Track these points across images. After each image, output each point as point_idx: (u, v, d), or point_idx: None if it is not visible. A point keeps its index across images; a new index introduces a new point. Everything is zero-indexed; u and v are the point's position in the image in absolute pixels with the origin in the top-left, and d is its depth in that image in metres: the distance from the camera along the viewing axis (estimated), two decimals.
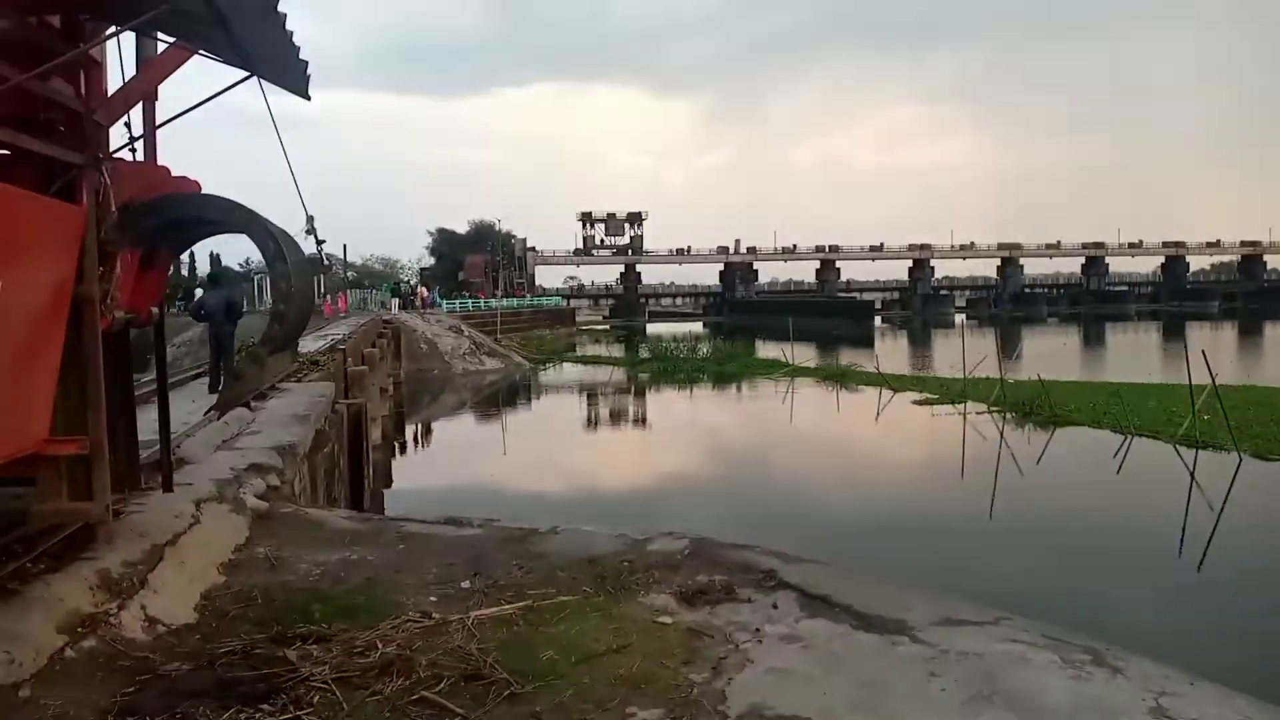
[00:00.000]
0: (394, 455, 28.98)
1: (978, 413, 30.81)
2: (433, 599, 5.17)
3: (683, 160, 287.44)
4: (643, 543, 6.01)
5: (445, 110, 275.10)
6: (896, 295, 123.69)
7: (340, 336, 25.41)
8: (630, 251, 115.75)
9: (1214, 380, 24.58)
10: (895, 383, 38.37)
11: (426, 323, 51.39)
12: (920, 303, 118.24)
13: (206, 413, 10.14)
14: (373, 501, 18.52)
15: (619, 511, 19.83)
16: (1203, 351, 25.87)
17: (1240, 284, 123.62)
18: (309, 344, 21.90)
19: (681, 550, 5.70)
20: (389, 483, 24.61)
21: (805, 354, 49.90)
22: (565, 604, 4.89)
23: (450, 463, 28.15)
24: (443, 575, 5.59)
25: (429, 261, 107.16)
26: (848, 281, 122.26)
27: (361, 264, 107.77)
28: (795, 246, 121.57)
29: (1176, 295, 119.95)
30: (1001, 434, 27.42)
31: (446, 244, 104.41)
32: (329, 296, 54.60)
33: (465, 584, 5.39)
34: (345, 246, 68.35)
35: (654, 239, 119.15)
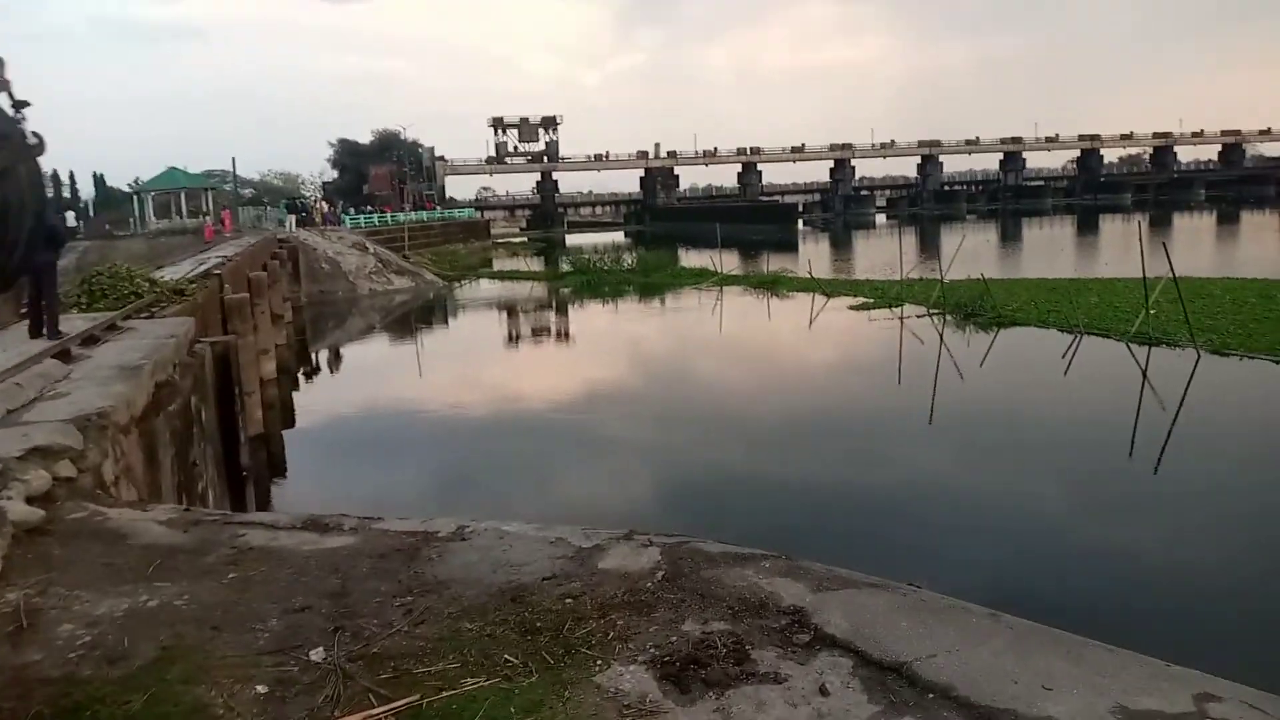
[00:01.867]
0: (294, 389, 26.61)
1: (917, 316, 29.56)
2: (260, 691, 3.17)
3: (596, 63, 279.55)
4: (591, 554, 4.06)
5: (343, 13, 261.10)
6: (818, 197, 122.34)
7: (218, 260, 22.58)
8: (546, 158, 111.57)
9: (1173, 272, 23.52)
10: (828, 288, 36.94)
11: (328, 241, 48.01)
12: (842, 204, 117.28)
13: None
14: (254, 457, 16.25)
15: (543, 449, 18.12)
16: (1164, 244, 24.85)
17: (1152, 176, 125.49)
18: (176, 271, 19.16)
19: (652, 570, 3.77)
20: (289, 422, 22.37)
21: (731, 261, 48.14)
22: (477, 697, 2.96)
23: (358, 392, 25.84)
24: (285, 634, 3.59)
25: (332, 175, 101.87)
26: (769, 185, 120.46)
27: (259, 179, 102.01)
28: (716, 150, 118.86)
29: (1091, 189, 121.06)
30: (941, 337, 26.23)
31: (350, 156, 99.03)
32: (208, 216, 50.58)
33: (317, 654, 3.40)
34: (234, 160, 63.64)
35: (570, 145, 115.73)
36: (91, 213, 62.37)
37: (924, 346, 25.60)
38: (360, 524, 4.74)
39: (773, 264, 44.16)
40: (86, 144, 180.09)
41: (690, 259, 54.79)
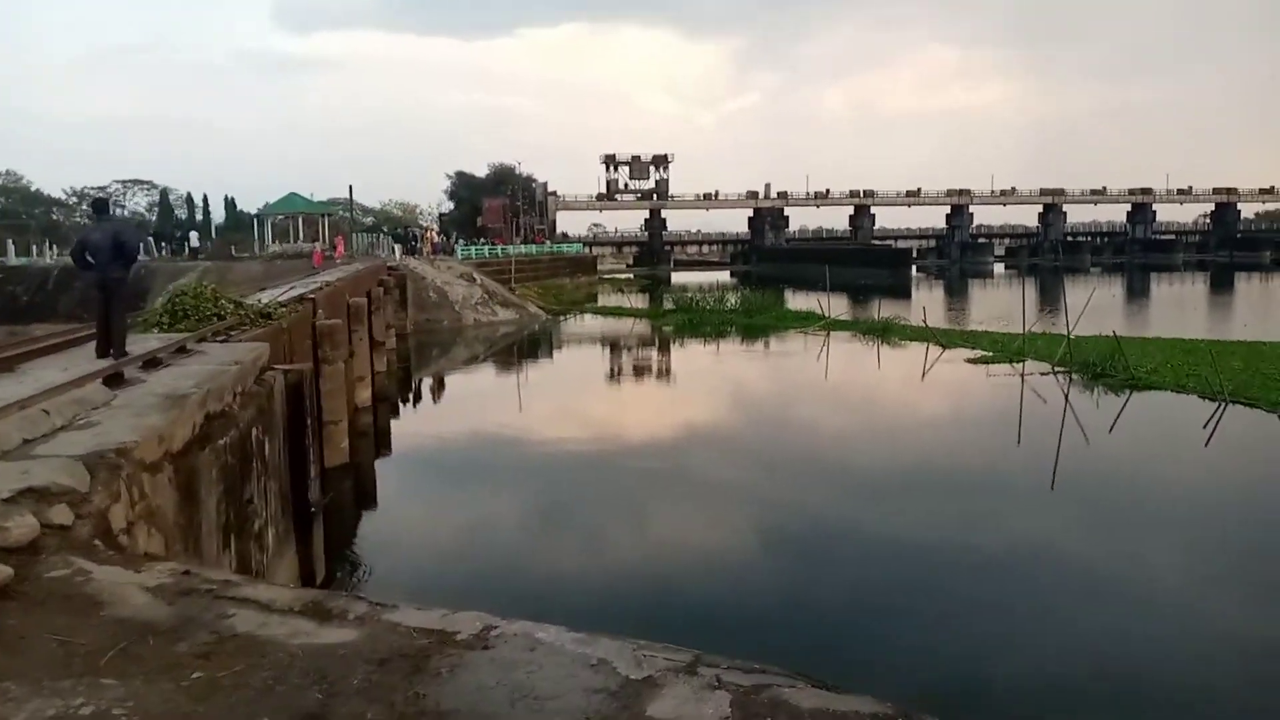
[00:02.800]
0: (394, 416, 26.47)
1: (1040, 374, 27.68)
2: None
3: (712, 105, 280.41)
4: (640, 691, 3.07)
5: (470, 52, 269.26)
6: (933, 243, 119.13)
7: (320, 285, 22.51)
8: (655, 196, 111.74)
9: None
10: (943, 338, 35.14)
11: (436, 270, 48.42)
12: (958, 251, 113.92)
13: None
14: (338, 488, 15.89)
15: (629, 493, 17.35)
16: None
17: None
18: (275, 294, 19.05)
19: None
20: (385, 449, 22.13)
21: (839, 306, 46.62)
22: None
23: (457, 422, 25.58)
24: None
25: (448, 206, 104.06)
26: (881, 230, 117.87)
27: (380, 208, 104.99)
28: (828, 192, 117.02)
29: (1226, 244, 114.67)
30: (1066, 397, 24.40)
31: (466, 188, 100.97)
32: (317, 244, 51.66)
33: None
34: (350, 187, 65.28)
35: (680, 184, 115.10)
36: (214, 234, 64.81)
37: (1047, 406, 23.83)
38: (369, 613, 3.86)
39: (884, 310, 42.50)
40: (223, 169, 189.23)
41: (797, 301, 53.46)
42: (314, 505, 11.37)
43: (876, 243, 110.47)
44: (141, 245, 11.59)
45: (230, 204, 72.06)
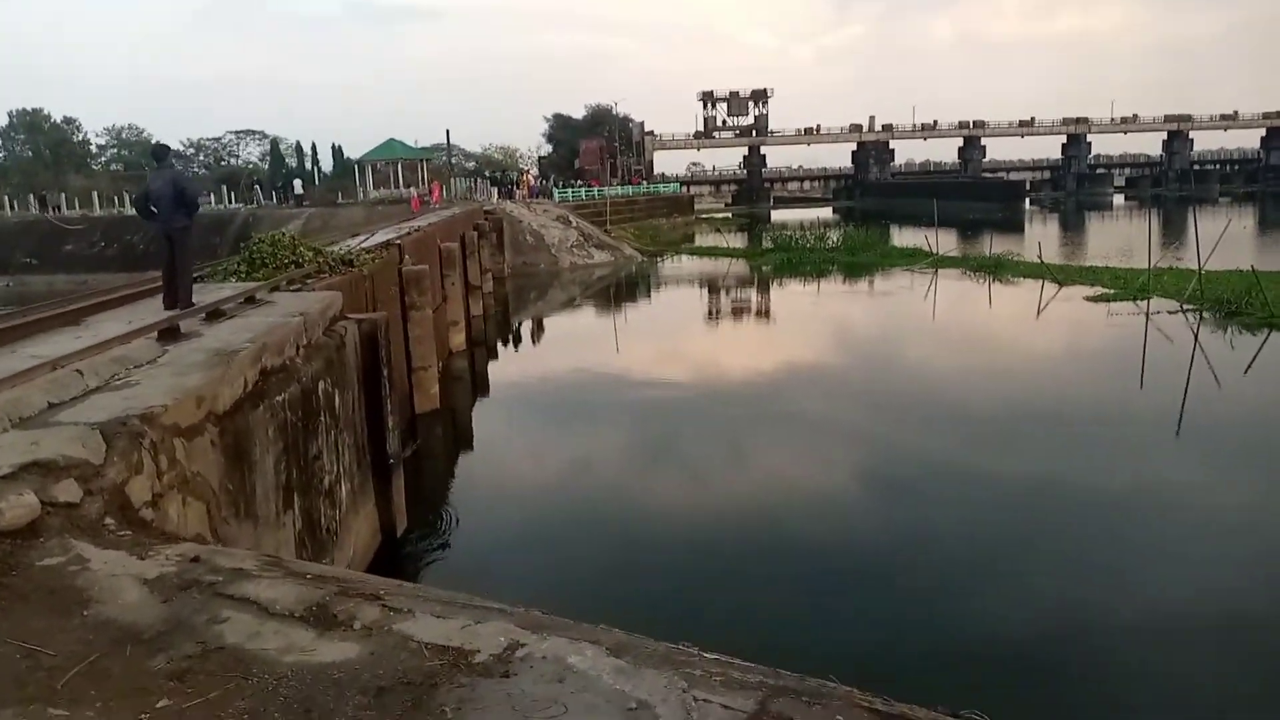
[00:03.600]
0: (493, 358, 26.32)
1: (1169, 312, 25.71)
2: None
3: (812, 38, 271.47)
4: None
5: None
6: (1047, 175, 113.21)
7: (407, 230, 22.22)
8: (754, 133, 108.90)
9: None
10: (1060, 274, 33.11)
11: (533, 213, 48.04)
12: (1074, 182, 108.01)
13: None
14: (408, 438, 15.49)
15: (725, 435, 16.72)
16: None
17: None
18: (366, 240, 18.78)
19: None
20: (484, 391, 21.97)
21: (947, 242, 44.48)
22: None
23: (554, 364, 25.30)
24: None
25: (546, 149, 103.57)
26: (991, 162, 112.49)
27: (481, 153, 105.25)
28: (936, 123, 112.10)
29: None
30: (1196, 337, 22.58)
31: (563, 130, 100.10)
32: (413, 189, 51.71)
33: None
34: (448, 132, 65.08)
35: (780, 120, 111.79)
36: (317, 182, 65.78)
37: (1174, 347, 22.11)
38: (379, 621, 3.26)
39: (995, 246, 40.33)
40: (331, 120, 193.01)
41: (902, 238, 51.35)
42: (392, 457, 11.01)
43: (987, 175, 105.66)
44: (200, 195, 11.08)
45: (338, 152, 73.04)
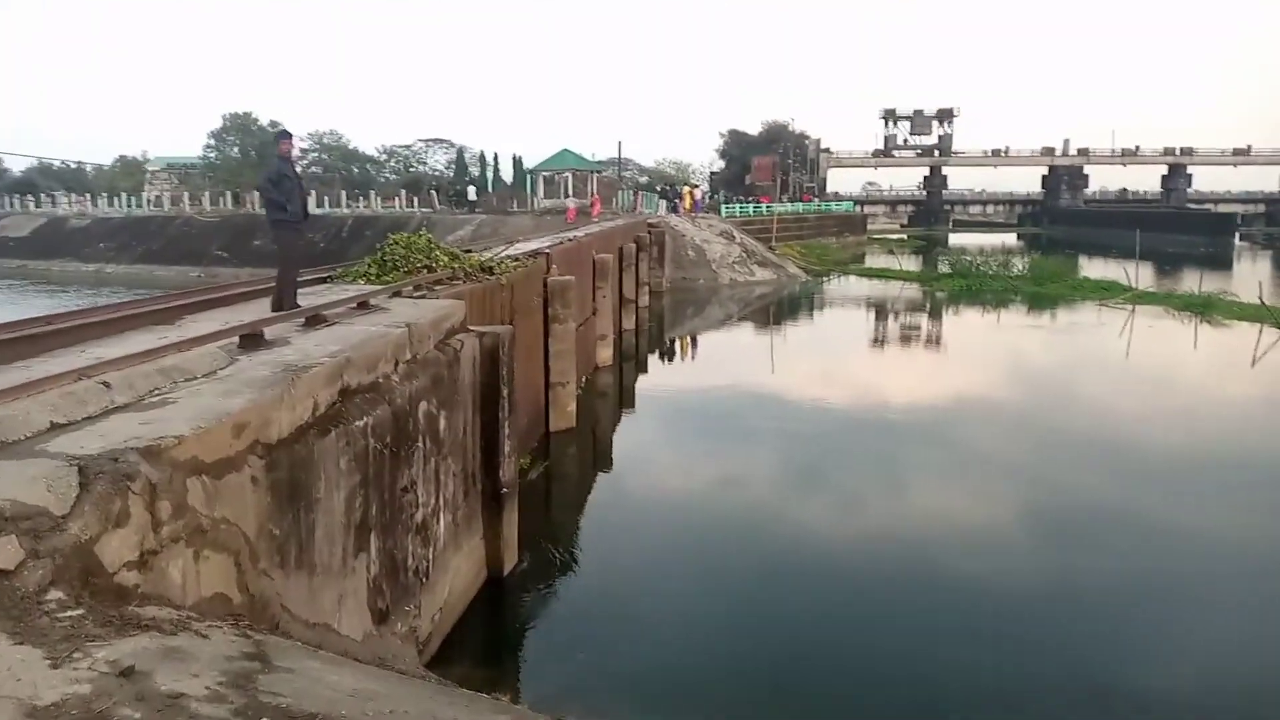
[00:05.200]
0: (642, 372, 25.36)
1: None
2: None
3: (1002, 47, 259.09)
4: None
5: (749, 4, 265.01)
6: (1262, 208, 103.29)
7: (559, 240, 21.48)
8: (937, 153, 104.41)
9: None
10: None
11: (696, 228, 46.97)
12: None
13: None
14: (538, 458, 14.57)
15: (887, 461, 15.17)
16: None
17: None
18: (521, 247, 18.11)
19: None
20: (629, 407, 21.06)
21: (1144, 276, 40.55)
22: None
23: (705, 381, 24.22)
24: None
25: (719, 165, 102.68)
26: (1198, 193, 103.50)
27: (655, 167, 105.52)
28: (1137, 149, 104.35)
29: None
30: None
31: (737, 146, 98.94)
32: (570, 200, 51.51)
33: None
34: (619, 144, 65.15)
35: (965, 140, 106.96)
36: (491, 189, 67.01)
37: None
38: None
39: (1202, 284, 36.35)
40: (517, 129, 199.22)
41: (1092, 269, 47.38)
42: (505, 485, 10.02)
43: (1193, 206, 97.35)
44: (272, 190, 9.85)
45: (518, 162, 74.38)
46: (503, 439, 9.82)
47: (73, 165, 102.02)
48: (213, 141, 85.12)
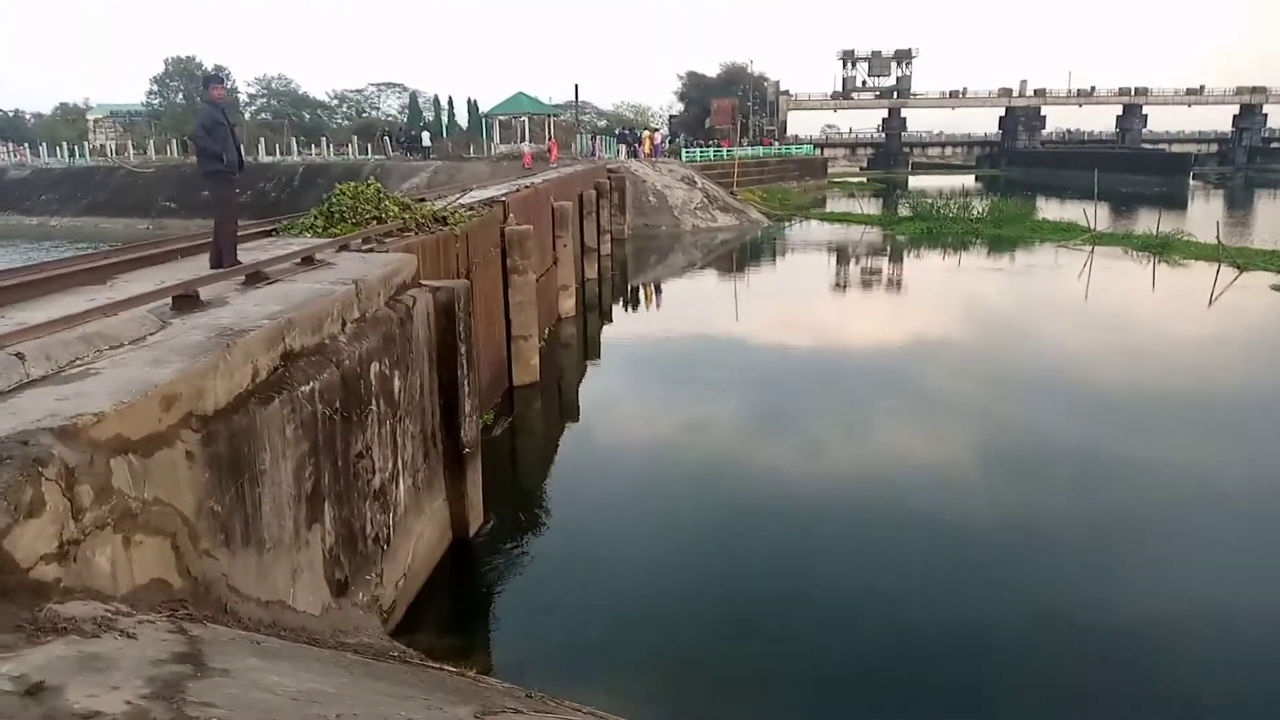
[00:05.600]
0: (607, 321, 24.98)
1: None
2: None
3: None
4: None
5: None
6: (1214, 149, 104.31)
7: (516, 188, 20.89)
8: (896, 94, 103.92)
9: None
10: (1240, 258, 29.50)
11: (657, 173, 46.29)
12: (1245, 157, 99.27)
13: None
14: (502, 414, 14.22)
15: (851, 408, 15.03)
16: None
17: None
18: (477, 195, 17.51)
19: None
20: (595, 355, 20.69)
21: (1101, 217, 40.68)
22: None
23: (670, 330, 23.94)
24: None
25: (679, 108, 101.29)
26: (1152, 133, 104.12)
27: (613, 110, 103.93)
28: (1093, 89, 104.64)
29: None
30: None
31: (696, 88, 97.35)
32: (525, 145, 50.51)
33: None
34: (576, 87, 63.68)
35: (923, 81, 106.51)
36: (445, 135, 65.56)
37: None
38: None
39: (1157, 224, 36.55)
40: (471, 74, 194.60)
41: (1050, 210, 47.48)
42: (468, 445, 9.67)
43: (1147, 146, 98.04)
44: (204, 137, 9.08)
45: (473, 106, 72.43)
46: (463, 397, 9.45)
47: (10, 114, 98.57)
48: (155, 88, 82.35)
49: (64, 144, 66.74)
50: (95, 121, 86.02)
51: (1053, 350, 20.14)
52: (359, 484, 7.04)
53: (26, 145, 69.49)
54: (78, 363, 4.73)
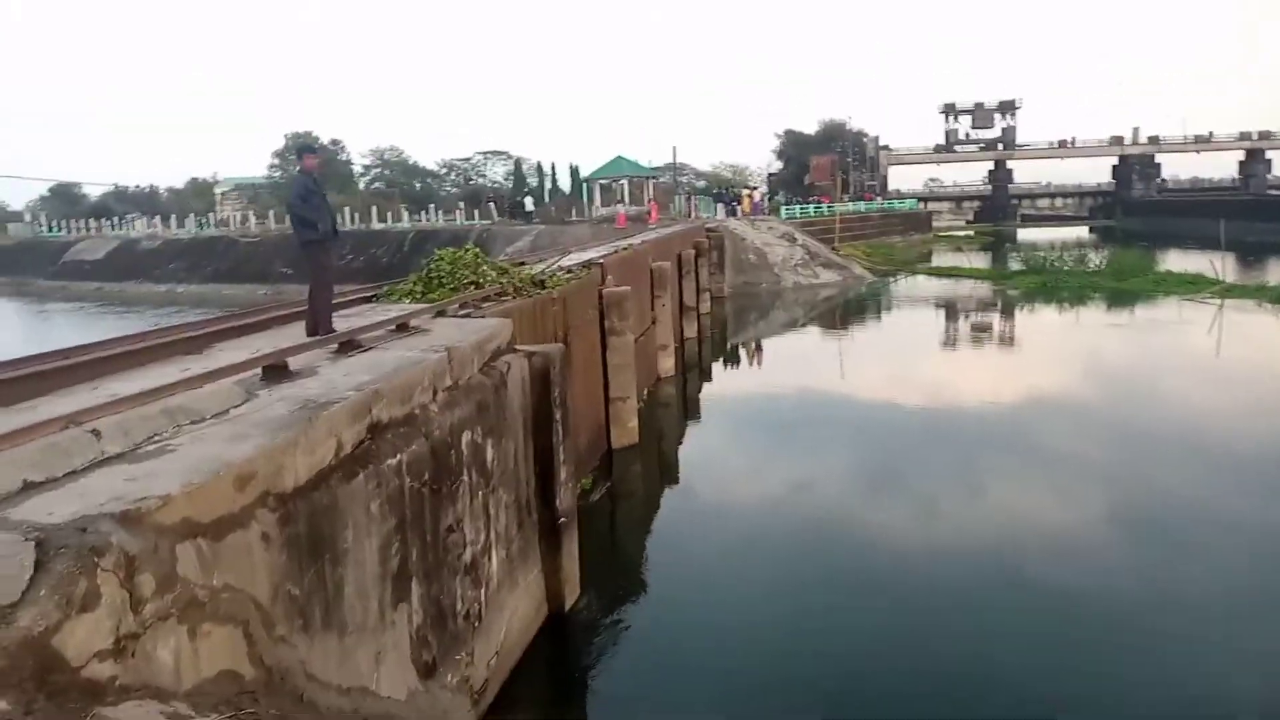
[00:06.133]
0: (706, 380, 24.57)
1: None
2: None
3: (1063, 35, 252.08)
4: None
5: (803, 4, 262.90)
6: None
7: (614, 249, 20.81)
8: (1000, 146, 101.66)
9: None
10: None
11: (756, 231, 45.98)
12: None
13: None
14: (600, 478, 13.86)
15: (970, 474, 14.14)
16: None
17: None
18: (556, 261, 17.39)
19: None
20: (695, 418, 20.30)
21: (1228, 268, 38.48)
22: None
23: (768, 389, 23.40)
24: None
25: (777, 166, 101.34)
26: (1277, 178, 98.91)
27: (711, 170, 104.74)
28: (1211, 135, 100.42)
29: None
30: None
31: (794, 146, 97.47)
32: (619, 207, 50.78)
33: None
34: (674, 149, 64.39)
35: (1028, 132, 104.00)
36: (547, 199, 66.86)
37: None
38: None
39: None
40: (571, 137, 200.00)
41: (1173, 262, 45.20)
42: (564, 514, 9.33)
43: (1274, 193, 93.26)
44: (302, 209, 9.11)
45: (574, 171, 74.16)
46: (558, 465, 9.14)
47: (146, 189, 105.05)
48: (277, 161, 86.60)
49: (192, 215, 70.46)
50: (223, 194, 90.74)
51: (1184, 411, 18.82)
52: (449, 559, 6.74)
53: (158, 218, 73.58)
54: (155, 439, 4.56)
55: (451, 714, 6.34)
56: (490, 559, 7.68)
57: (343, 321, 8.47)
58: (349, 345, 7.22)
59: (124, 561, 3.36)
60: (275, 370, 6.08)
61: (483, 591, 7.46)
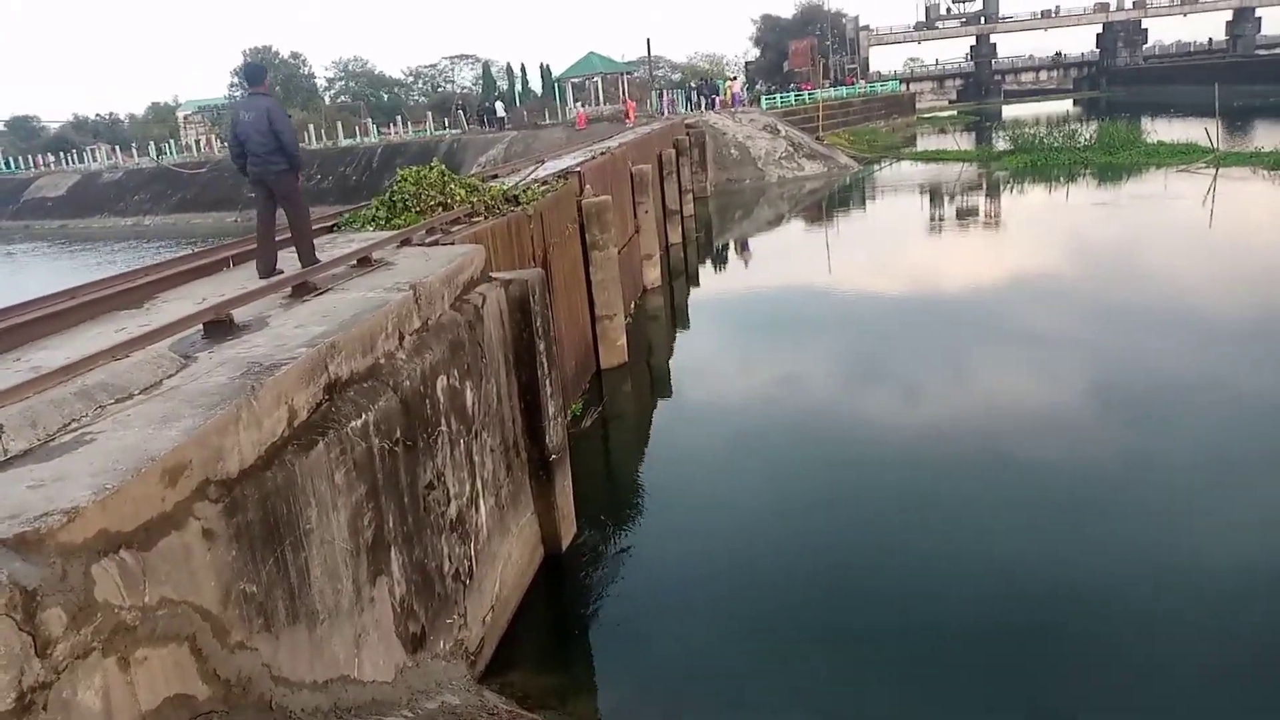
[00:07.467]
0: (694, 285, 23.92)
1: None
2: None
3: None
4: None
5: None
6: None
7: (592, 155, 19.86)
8: (983, 19, 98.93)
9: None
10: None
11: (737, 124, 44.57)
12: None
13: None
14: (591, 403, 13.25)
15: (970, 370, 13.70)
16: None
17: None
18: (530, 174, 16.50)
19: None
20: (683, 326, 19.75)
21: (1202, 133, 37.58)
22: None
23: (757, 290, 22.94)
24: None
25: (754, 54, 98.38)
26: (1267, 37, 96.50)
27: (686, 63, 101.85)
28: None
29: None
30: None
31: (771, 32, 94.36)
32: (579, 105, 49.10)
33: None
34: (648, 41, 62.11)
35: (1011, 3, 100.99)
36: (519, 103, 64.71)
37: None
38: None
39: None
40: (541, 37, 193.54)
41: (1163, 131, 44.12)
42: (554, 451, 8.80)
43: (1263, 53, 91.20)
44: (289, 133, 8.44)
45: (546, 72, 71.42)
46: (545, 399, 8.56)
47: (107, 118, 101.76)
48: (236, 79, 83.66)
49: (152, 143, 68.20)
50: (185, 118, 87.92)
51: (1176, 284, 18.50)
52: (431, 518, 6.22)
53: (116, 148, 71.23)
54: (71, 427, 3.94)
55: (445, 685, 5.91)
56: (478, 510, 7.17)
57: (295, 260, 7.75)
58: (303, 288, 6.55)
59: (19, 600, 2.79)
60: (217, 326, 5.41)
61: (472, 546, 6.97)
